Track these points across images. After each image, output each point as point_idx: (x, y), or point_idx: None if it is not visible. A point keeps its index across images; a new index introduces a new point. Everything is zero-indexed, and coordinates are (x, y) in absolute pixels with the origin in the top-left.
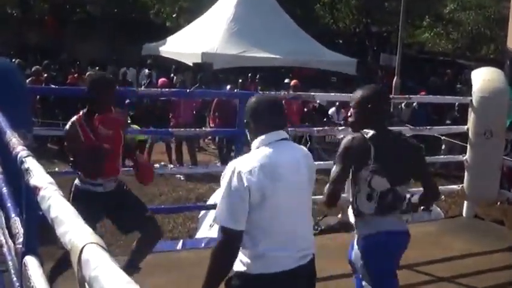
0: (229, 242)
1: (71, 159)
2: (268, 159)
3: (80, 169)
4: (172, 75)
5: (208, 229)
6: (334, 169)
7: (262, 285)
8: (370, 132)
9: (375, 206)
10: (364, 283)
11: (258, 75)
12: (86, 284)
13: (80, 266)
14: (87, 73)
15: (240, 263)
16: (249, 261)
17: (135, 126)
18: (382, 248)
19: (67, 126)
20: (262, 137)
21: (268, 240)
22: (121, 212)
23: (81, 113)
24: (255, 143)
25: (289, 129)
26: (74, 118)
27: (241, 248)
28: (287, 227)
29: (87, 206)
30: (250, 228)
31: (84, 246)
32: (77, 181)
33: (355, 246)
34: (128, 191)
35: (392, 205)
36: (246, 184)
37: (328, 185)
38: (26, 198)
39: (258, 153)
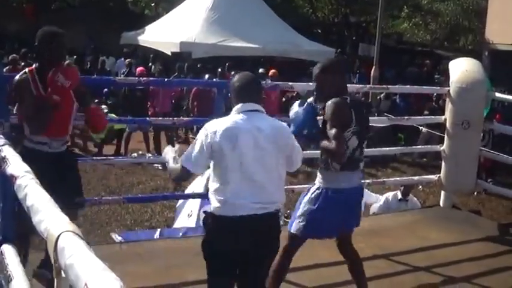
0: (184, 174)
1: (15, 112)
2: (233, 124)
3: (26, 123)
4: (150, 64)
5: (186, 219)
6: (335, 131)
7: (223, 225)
8: (349, 98)
9: (346, 161)
10: (296, 221)
11: (227, 64)
12: (61, 271)
13: (56, 254)
14: (67, 62)
15: (211, 206)
16: (215, 205)
17: (113, 115)
18: (341, 203)
19: (17, 76)
20: (238, 106)
21: (228, 190)
22: (60, 183)
23: (33, 66)
24: (232, 111)
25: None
26: (27, 69)
27: (212, 194)
28: (246, 181)
29: (31, 165)
30: (216, 178)
31: (60, 234)
32: (25, 141)
33: (314, 192)
34: (75, 164)
35: (357, 161)
36: (208, 141)
37: (333, 144)
38: (3, 187)
39: (228, 118)
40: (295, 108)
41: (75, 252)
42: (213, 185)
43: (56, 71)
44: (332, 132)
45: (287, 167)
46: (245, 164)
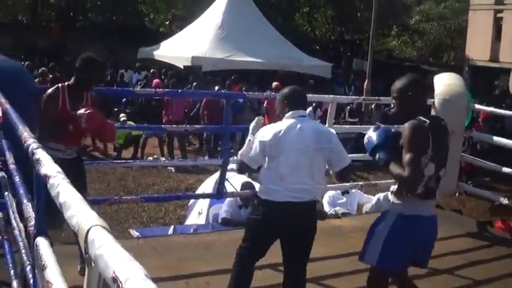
0: (245, 167)
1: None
2: (283, 126)
3: (45, 134)
4: (163, 77)
5: (196, 217)
6: (409, 157)
7: (265, 206)
8: (428, 121)
9: (422, 190)
10: (372, 251)
11: (233, 77)
12: (91, 261)
13: (87, 246)
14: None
15: (260, 191)
16: (262, 190)
17: (131, 123)
18: (418, 231)
19: (50, 90)
20: (289, 113)
21: (274, 180)
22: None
23: (66, 83)
24: (284, 117)
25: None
26: (60, 85)
27: (261, 181)
28: (289, 175)
29: None
30: (267, 170)
31: (90, 228)
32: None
33: (387, 220)
34: (83, 169)
35: (434, 189)
36: (262, 140)
37: (409, 176)
38: (37, 185)
39: (280, 122)
40: (369, 133)
41: (104, 244)
42: (266, 176)
43: (83, 114)
44: (406, 158)
45: (329, 166)
46: (291, 161)
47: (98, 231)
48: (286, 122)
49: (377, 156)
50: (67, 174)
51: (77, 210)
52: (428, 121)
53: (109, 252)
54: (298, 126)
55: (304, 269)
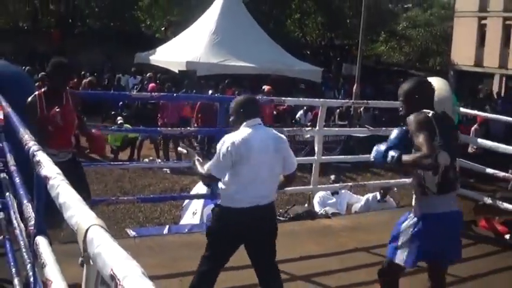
0: (210, 179)
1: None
2: (246, 135)
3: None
4: (157, 81)
5: (191, 216)
6: (422, 136)
7: (229, 214)
8: (430, 112)
9: (439, 182)
10: (399, 251)
11: (226, 81)
12: (90, 260)
13: (85, 244)
14: (88, 79)
15: (222, 199)
16: (225, 198)
17: (127, 125)
18: (441, 229)
19: (29, 98)
20: (245, 121)
21: (238, 187)
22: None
23: (42, 90)
24: (242, 126)
25: None
26: (36, 92)
27: (222, 189)
28: (252, 182)
29: None
30: (231, 178)
31: (89, 227)
32: None
33: (410, 220)
34: (82, 169)
35: (453, 181)
36: (229, 151)
37: (423, 149)
38: (37, 186)
39: (240, 131)
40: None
41: (102, 243)
42: (230, 185)
43: (56, 113)
44: (419, 139)
45: (283, 170)
46: (256, 169)
47: (97, 231)
48: (245, 131)
49: (389, 157)
50: (66, 177)
51: (76, 210)
52: (432, 112)
53: (107, 250)
54: (259, 134)
55: (276, 265)
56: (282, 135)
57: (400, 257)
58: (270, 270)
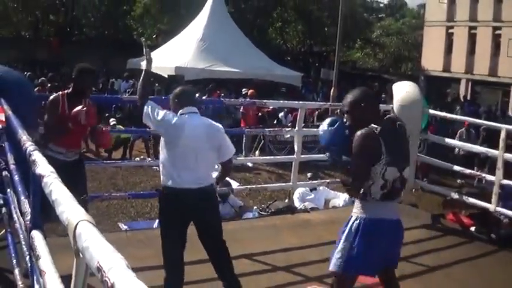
0: (141, 103)
1: (43, 127)
2: (179, 121)
3: (48, 136)
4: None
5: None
6: (355, 166)
7: (169, 194)
8: (379, 128)
9: (385, 192)
10: (339, 254)
11: (210, 85)
12: (79, 253)
13: (75, 239)
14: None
15: (162, 178)
16: (163, 178)
17: (120, 126)
18: (382, 235)
19: (52, 96)
20: (182, 109)
21: (173, 168)
22: (71, 185)
23: (65, 91)
24: (179, 113)
25: (246, 129)
26: (60, 92)
27: (161, 169)
28: (184, 165)
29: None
30: (165, 160)
31: (78, 222)
32: (46, 151)
33: (352, 224)
34: (84, 170)
35: (398, 191)
36: (166, 118)
37: (351, 180)
38: (33, 184)
39: (178, 116)
40: (324, 126)
41: (89, 237)
42: (164, 164)
43: (81, 111)
44: (354, 166)
45: (218, 158)
46: (188, 151)
47: (85, 226)
48: (181, 118)
49: (327, 154)
50: (68, 176)
51: (67, 206)
52: (379, 128)
53: (94, 244)
54: (191, 121)
55: (225, 247)
56: (218, 124)
57: (337, 264)
58: (219, 251)
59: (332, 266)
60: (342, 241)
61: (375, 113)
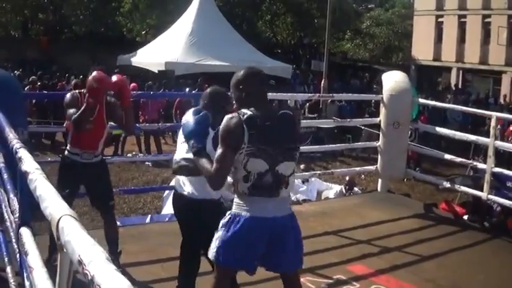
0: None
1: (65, 126)
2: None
3: (68, 137)
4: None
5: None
6: (218, 151)
7: (176, 198)
8: (247, 113)
9: (250, 186)
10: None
11: (199, 79)
12: (63, 247)
13: (58, 233)
14: (73, 81)
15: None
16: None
17: (111, 123)
18: (253, 234)
19: (69, 94)
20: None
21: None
22: (91, 188)
23: (83, 90)
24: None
25: None
26: (77, 91)
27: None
28: None
29: (67, 171)
30: None
31: (61, 217)
32: (66, 152)
33: (225, 218)
34: (105, 174)
35: (271, 187)
36: None
37: (213, 167)
38: (20, 181)
39: None
40: (188, 116)
41: (71, 231)
42: None
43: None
44: (216, 153)
45: None
46: None
47: (67, 220)
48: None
49: (191, 142)
50: (86, 178)
51: (50, 201)
52: (248, 113)
53: (76, 238)
54: None
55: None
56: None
57: (212, 252)
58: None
59: (209, 254)
60: (218, 229)
61: (256, 97)
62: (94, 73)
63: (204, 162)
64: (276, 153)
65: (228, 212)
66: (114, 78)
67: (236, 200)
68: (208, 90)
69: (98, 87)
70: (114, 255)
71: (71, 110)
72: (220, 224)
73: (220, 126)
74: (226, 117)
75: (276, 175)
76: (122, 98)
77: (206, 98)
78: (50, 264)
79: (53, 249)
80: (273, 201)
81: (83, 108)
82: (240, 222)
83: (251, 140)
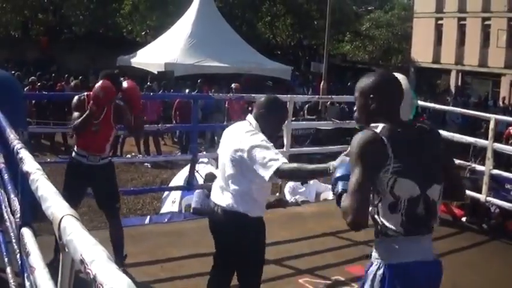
0: None
1: (72, 128)
2: (229, 128)
3: (75, 137)
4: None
5: (170, 205)
6: (352, 179)
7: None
8: (380, 126)
9: (403, 220)
10: None
11: (199, 81)
12: (65, 247)
13: (60, 233)
14: (73, 82)
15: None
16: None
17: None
18: (410, 283)
19: (77, 97)
20: None
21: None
22: (98, 190)
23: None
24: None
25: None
26: (85, 93)
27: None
28: (219, 179)
29: (73, 171)
30: None
31: (63, 217)
32: (73, 153)
33: (374, 276)
34: (111, 176)
35: (424, 219)
36: None
37: (346, 199)
38: (21, 181)
39: None
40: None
41: (73, 231)
42: None
43: (98, 88)
44: (351, 179)
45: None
46: (221, 166)
47: (69, 220)
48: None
49: (335, 189)
50: (92, 180)
51: (52, 202)
52: (383, 125)
53: (77, 238)
54: (234, 129)
55: None
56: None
57: None
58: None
59: None
60: None
61: (392, 112)
62: (100, 82)
63: (343, 201)
64: (425, 173)
65: (376, 263)
66: (125, 84)
67: (380, 246)
68: (265, 98)
69: (102, 98)
70: (120, 258)
71: (76, 114)
72: (368, 283)
73: (353, 146)
74: (358, 134)
75: (427, 202)
76: (131, 106)
77: (263, 107)
78: (52, 266)
79: (58, 250)
80: (428, 238)
81: (85, 115)
82: (394, 273)
83: (396, 155)
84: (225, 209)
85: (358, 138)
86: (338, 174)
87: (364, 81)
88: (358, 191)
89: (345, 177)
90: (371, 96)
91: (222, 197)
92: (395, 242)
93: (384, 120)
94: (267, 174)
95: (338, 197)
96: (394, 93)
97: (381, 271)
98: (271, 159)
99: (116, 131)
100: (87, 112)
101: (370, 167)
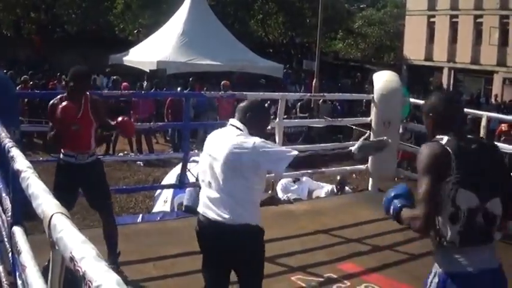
0: None
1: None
2: (211, 135)
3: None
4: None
5: (162, 204)
6: (421, 185)
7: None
8: (445, 138)
9: (462, 230)
10: None
11: (191, 79)
12: (55, 245)
13: (50, 231)
14: (64, 81)
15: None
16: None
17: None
18: None
19: (53, 100)
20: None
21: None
22: (89, 188)
23: (64, 94)
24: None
25: (222, 122)
26: (59, 96)
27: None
28: (209, 189)
29: (62, 173)
30: None
31: (53, 215)
32: (61, 154)
33: (430, 283)
34: (101, 173)
35: (484, 230)
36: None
37: (417, 207)
38: (12, 180)
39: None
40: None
41: (63, 228)
42: None
43: (74, 123)
44: (419, 189)
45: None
46: (211, 172)
47: (59, 218)
48: (216, 131)
49: (391, 208)
50: (84, 179)
51: (42, 199)
52: (447, 138)
53: (67, 235)
54: (223, 135)
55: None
56: (239, 138)
57: None
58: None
59: None
60: None
61: (452, 124)
62: (64, 103)
63: (406, 212)
64: (485, 186)
65: (433, 272)
66: (119, 119)
67: (438, 254)
68: (250, 102)
69: (62, 120)
70: (114, 256)
71: (50, 124)
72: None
73: (421, 156)
74: (425, 145)
75: (486, 213)
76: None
77: (249, 111)
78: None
79: None
80: (489, 248)
81: (52, 135)
82: (452, 283)
83: (459, 165)
84: (233, 224)
85: (426, 150)
86: (393, 193)
87: (426, 102)
88: (428, 199)
89: (400, 196)
90: (430, 114)
91: (224, 211)
92: (453, 251)
93: (446, 134)
94: (282, 166)
95: (397, 212)
96: (448, 110)
97: (436, 279)
98: (285, 151)
99: (96, 124)
100: (53, 133)
101: (437, 176)
